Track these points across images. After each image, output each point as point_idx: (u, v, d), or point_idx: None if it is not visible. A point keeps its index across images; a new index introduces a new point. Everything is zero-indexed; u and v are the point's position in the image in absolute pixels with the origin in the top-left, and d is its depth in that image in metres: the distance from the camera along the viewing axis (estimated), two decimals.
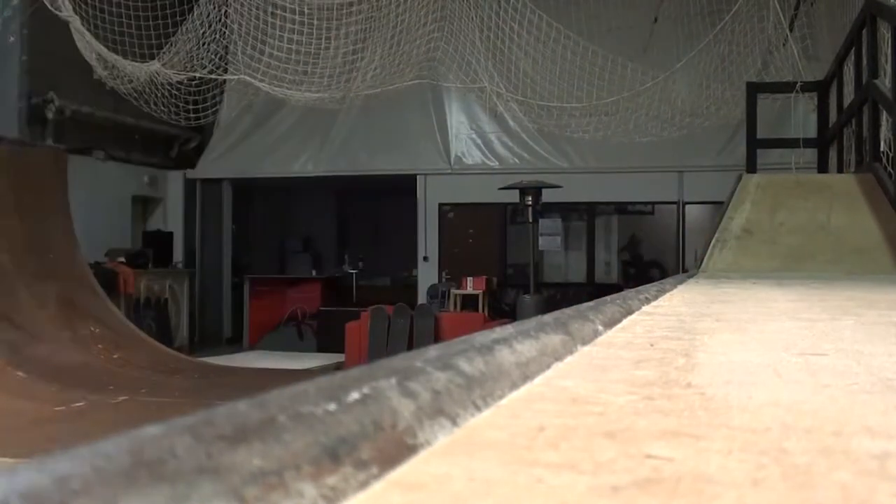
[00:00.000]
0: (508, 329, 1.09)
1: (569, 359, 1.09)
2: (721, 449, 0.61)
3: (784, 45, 13.77)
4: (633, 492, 0.50)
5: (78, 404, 9.09)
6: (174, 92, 14.35)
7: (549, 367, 1.01)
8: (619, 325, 1.58)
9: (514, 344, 0.98)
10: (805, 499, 0.50)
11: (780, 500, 0.49)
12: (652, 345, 1.26)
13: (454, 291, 17.83)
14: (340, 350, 16.18)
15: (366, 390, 0.63)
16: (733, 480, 0.53)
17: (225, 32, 14.21)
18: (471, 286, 17.68)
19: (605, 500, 0.49)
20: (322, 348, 17.97)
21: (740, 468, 0.56)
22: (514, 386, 0.87)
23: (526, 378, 0.92)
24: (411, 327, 15.78)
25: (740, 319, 1.85)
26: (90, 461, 0.42)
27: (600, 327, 1.42)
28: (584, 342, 1.25)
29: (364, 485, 0.51)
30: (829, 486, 0.52)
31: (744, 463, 0.57)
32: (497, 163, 18.08)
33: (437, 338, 14.30)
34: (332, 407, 0.57)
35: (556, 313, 1.44)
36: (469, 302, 17.64)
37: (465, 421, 0.70)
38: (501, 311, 17.50)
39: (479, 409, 0.75)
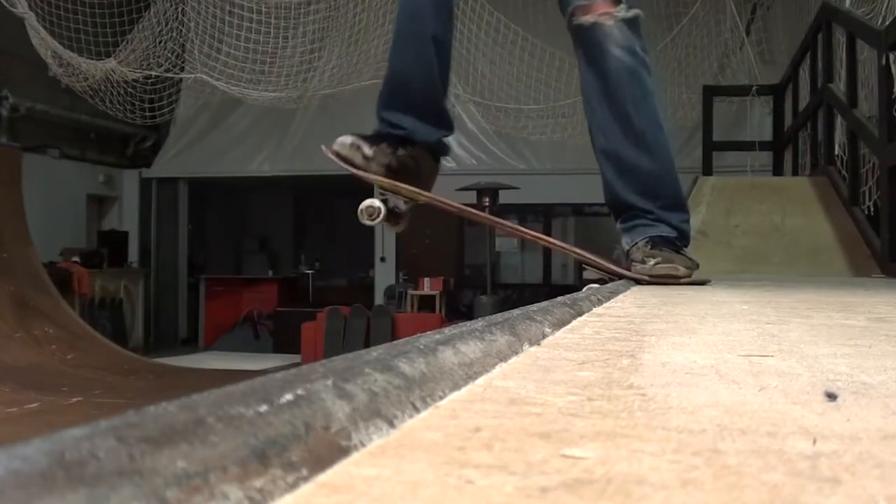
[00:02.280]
0: (454, 330, 1.09)
1: (513, 360, 1.09)
2: (655, 450, 0.61)
3: (741, 48, 13.89)
4: (561, 492, 0.50)
5: (31, 406, 9.00)
6: (130, 90, 14.27)
7: (493, 367, 1.01)
8: (568, 327, 1.58)
9: (457, 345, 0.98)
10: (733, 499, 0.50)
11: (708, 500, 0.49)
12: (603, 346, 1.26)
13: (411, 292, 17.83)
14: (297, 351, 16.14)
15: (299, 391, 0.62)
16: (664, 481, 0.53)
17: (182, 31, 14.14)
18: (428, 287, 17.69)
19: (532, 500, 0.49)
20: (278, 349, 17.93)
21: (672, 469, 0.56)
22: (456, 387, 0.87)
23: (469, 379, 0.91)
24: (368, 328, 15.77)
25: (690, 321, 1.85)
26: (6, 463, 0.41)
27: (548, 329, 1.42)
28: (531, 343, 1.25)
29: (292, 487, 0.51)
30: (759, 486, 0.52)
31: (676, 464, 0.57)
32: (454, 164, 18.07)
33: (394, 339, 14.26)
34: (263, 408, 0.57)
35: (504, 314, 1.44)
36: (426, 303, 17.65)
37: (402, 422, 0.70)
38: (458, 311, 17.52)
39: (417, 410, 0.74)
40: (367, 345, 14.55)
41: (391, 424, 0.67)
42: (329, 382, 0.66)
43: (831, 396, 0.82)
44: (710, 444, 0.63)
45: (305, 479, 0.52)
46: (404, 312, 17.13)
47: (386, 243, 18.90)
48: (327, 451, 0.57)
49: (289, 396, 0.60)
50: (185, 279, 20.40)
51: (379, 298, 18.30)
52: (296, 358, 15.64)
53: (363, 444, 0.61)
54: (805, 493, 0.50)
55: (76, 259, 16.45)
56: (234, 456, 0.50)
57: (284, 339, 17.81)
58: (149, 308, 19.11)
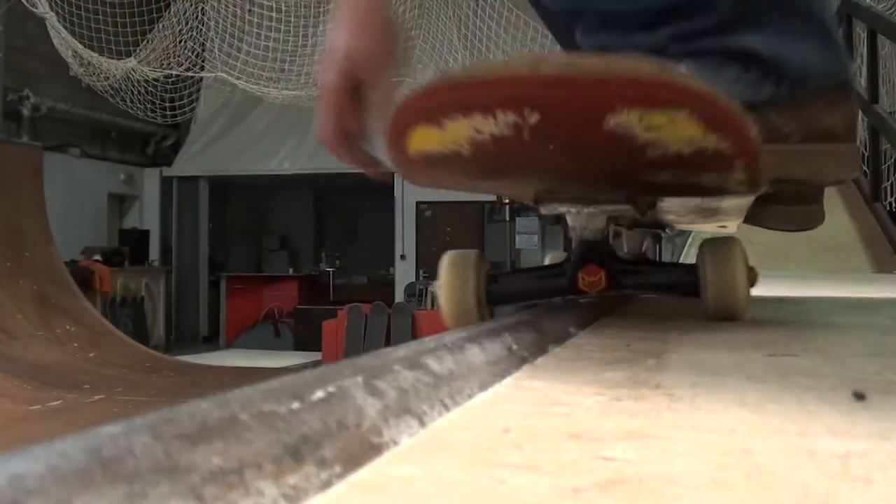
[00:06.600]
0: (480, 327, 1.09)
1: (540, 359, 1.09)
2: (685, 450, 0.61)
3: None
4: (594, 493, 0.50)
5: (54, 403, 9.05)
6: (151, 89, 14.32)
7: (519, 366, 1.01)
8: (592, 326, 1.58)
9: (484, 342, 0.98)
10: (766, 499, 0.50)
11: (740, 500, 0.49)
12: (628, 345, 1.26)
13: (432, 289, 17.81)
14: (317, 348, 16.16)
15: (331, 388, 0.62)
16: (695, 482, 0.53)
17: (202, 30, 14.17)
18: None
19: (566, 501, 0.49)
20: (299, 347, 17.96)
21: (703, 469, 0.56)
22: (484, 385, 0.87)
23: (496, 377, 0.91)
24: (388, 326, 15.78)
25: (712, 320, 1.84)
26: (45, 460, 0.41)
27: (572, 328, 1.41)
28: (556, 342, 1.25)
29: (326, 484, 0.51)
30: (791, 486, 0.52)
31: (707, 464, 0.57)
32: None
33: (414, 336, 14.28)
34: (295, 405, 0.57)
35: (529, 312, 1.44)
36: None
37: (431, 420, 0.70)
38: None
39: (446, 408, 0.75)
40: (387, 342, 14.58)
41: (421, 422, 0.68)
42: (359, 380, 0.66)
43: (859, 396, 0.82)
44: (739, 444, 0.63)
45: (339, 476, 0.52)
46: (424, 310, 17.11)
47: (406, 241, 18.90)
48: (360, 448, 0.57)
49: (320, 394, 0.61)
50: (206, 277, 20.45)
51: (399, 296, 18.29)
52: (316, 355, 15.66)
53: (394, 441, 0.62)
54: (838, 492, 0.50)
55: (98, 258, 16.50)
56: (269, 453, 0.50)
57: (305, 337, 17.84)
58: (170, 306, 19.17)
